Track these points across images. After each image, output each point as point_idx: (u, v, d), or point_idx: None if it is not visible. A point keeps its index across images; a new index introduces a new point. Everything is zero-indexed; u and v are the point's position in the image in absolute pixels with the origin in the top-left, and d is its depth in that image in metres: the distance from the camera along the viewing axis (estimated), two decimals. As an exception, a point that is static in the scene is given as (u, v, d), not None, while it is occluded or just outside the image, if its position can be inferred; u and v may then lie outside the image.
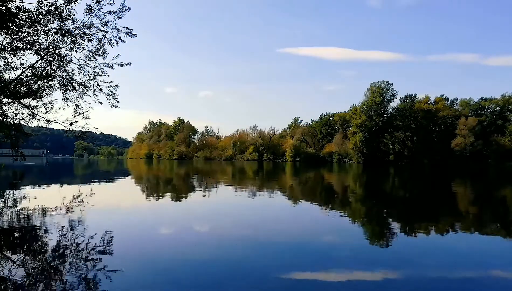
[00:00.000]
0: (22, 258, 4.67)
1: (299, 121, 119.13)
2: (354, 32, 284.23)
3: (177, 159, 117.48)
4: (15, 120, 11.97)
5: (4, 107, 11.64)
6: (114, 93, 12.11)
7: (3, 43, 10.36)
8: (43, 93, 11.84)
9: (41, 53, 11.08)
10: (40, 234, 6.00)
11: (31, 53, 10.84)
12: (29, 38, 10.49)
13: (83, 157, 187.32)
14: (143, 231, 6.53)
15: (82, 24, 11.09)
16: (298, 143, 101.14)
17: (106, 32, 11.31)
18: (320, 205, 10.87)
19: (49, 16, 10.37)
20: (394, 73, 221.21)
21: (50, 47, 11.07)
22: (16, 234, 6.03)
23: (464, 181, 23.31)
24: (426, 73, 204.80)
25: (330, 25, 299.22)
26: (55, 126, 12.80)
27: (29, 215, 7.68)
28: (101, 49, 11.54)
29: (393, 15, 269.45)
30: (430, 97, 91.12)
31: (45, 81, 11.59)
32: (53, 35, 10.90)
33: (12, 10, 9.84)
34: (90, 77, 11.86)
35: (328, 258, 4.93)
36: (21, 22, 10.13)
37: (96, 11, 11.00)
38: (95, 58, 11.63)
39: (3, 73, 11.27)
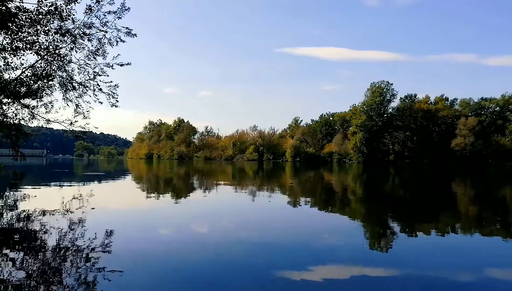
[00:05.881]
0: (21, 258, 4.67)
1: (299, 121, 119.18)
2: (352, 32, 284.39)
3: (177, 159, 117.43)
4: (15, 120, 11.99)
5: (4, 107, 11.67)
6: (114, 93, 12.15)
7: (3, 43, 10.38)
8: (43, 93, 11.87)
9: (41, 53, 11.09)
10: (40, 234, 6.00)
11: (31, 53, 10.87)
12: (29, 38, 10.50)
13: (83, 157, 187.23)
14: (143, 232, 6.52)
15: (82, 24, 11.11)
16: (298, 143, 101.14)
17: (106, 32, 11.34)
18: (320, 205, 10.87)
19: (49, 16, 10.38)
20: (393, 73, 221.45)
21: (50, 47, 11.08)
22: (15, 235, 6.02)
23: (464, 181, 23.30)
24: (425, 73, 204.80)
25: (328, 25, 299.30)
26: (55, 126, 12.83)
27: (29, 215, 7.67)
28: (101, 49, 11.57)
29: (391, 15, 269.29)
30: (430, 97, 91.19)
31: (45, 81, 11.60)
32: (53, 35, 10.92)
33: (12, 10, 9.84)
34: (90, 77, 11.89)
35: (328, 258, 4.92)
36: (21, 22, 10.13)
37: (96, 11, 11.03)
38: (95, 58, 11.66)
39: (3, 73, 11.30)
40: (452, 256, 5.20)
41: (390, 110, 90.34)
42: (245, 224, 7.61)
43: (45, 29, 10.63)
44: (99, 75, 11.89)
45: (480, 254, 5.37)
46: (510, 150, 77.99)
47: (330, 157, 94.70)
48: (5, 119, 11.75)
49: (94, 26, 11.22)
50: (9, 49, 10.45)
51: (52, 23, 10.65)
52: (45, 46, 10.98)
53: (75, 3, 10.51)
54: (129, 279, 3.97)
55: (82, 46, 11.37)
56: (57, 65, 11.60)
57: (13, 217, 7.49)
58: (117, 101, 12.20)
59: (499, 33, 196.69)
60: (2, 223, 6.90)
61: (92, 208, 8.89)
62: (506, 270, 4.60)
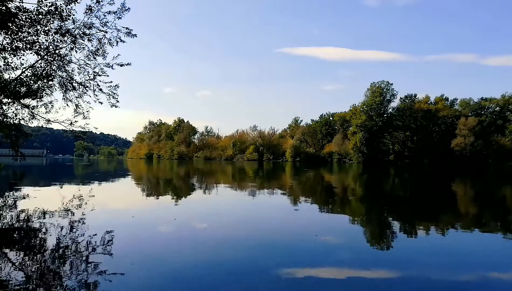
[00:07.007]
0: (21, 259, 4.67)
1: (299, 121, 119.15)
2: (352, 32, 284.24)
3: (177, 159, 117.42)
4: (15, 120, 11.98)
5: (4, 107, 11.65)
6: (114, 93, 12.14)
7: (3, 43, 10.37)
8: (43, 93, 11.86)
9: (41, 53, 11.08)
10: (40, 235, 6.00)
11: (31, 53, 10.85)
12: (29, 38, 10.48)
13: (83, 157, 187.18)
14: (143, 232, 6.52)
15: (82, 24, 11.09)
16: (298, 143, 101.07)
17: (106, 32, 11.33)
18: (320, 205, 10.87)
19: (49, 16, 10.37)
20: (392, 73, 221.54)
21: (50, 47, 11.07)
22: (15, 235, 6.02)
23: (464, 181, 23.30)
24: (425, 73, 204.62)
25: (328, 25, 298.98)
26: (55, 126, 12.86)
27: (29, 215, 7.67)
28: (101, 49, 11.56)
29: (391, 15, 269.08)
30: (430, 97, 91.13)
31: (45, 81, 11.59)
32: (53, 35, 10.90)
33: (12, 10, 9.83)
34: (90, 77, 11.88)
35: (328, 258, 4.92)
36: (21, 22, 10.12)
37: (96, 11, 11.02)
38: (95, 58, 11.64)
39: (3, 73, 11.29)
40: (452, 256, 5.19)
41: (390, 110, 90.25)
42: (245, 224, 7.61)
43: (45, 29, 10.61)
44: (99, 75, 11.89)
45: (480, 254, 5.37)
46: (510, 150, 77.89)
47: (330, 157, 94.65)
48: (5, 119, 11.74)
49: (94, 26, 11.22)
50: (9, 49, 10.44)
51: (52, 23, 10.64)
52: (45, 46, 10.97)
53: (75, 3, 10.51)
54: (130, 279, 3.97)
55: (82, 46, 11.36)
56: (57, 65, 11.60)
57: (13, 217, 7.49)
58: (117, 101, 12.20)
59: (499, 33, 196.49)
60: (2, 223, 6.90)
61: (92, 206, 8.88)
62: (506, 269, 4.60)
